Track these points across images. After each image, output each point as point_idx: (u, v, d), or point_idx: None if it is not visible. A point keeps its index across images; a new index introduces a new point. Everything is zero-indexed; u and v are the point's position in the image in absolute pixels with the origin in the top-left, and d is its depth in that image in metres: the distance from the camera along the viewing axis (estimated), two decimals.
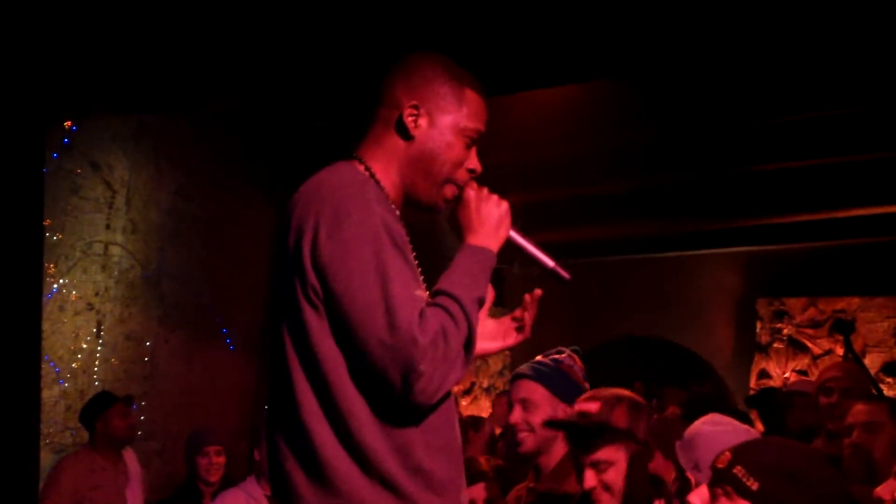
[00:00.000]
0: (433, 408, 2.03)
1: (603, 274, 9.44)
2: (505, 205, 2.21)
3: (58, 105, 5.22)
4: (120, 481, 5.62)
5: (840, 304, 8.56)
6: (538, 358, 3.45)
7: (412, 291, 1.97)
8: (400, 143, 2.17)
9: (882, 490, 2.70)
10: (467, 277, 2.07)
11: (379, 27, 4.38)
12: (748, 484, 2.01)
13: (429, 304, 2.00)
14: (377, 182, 2.13)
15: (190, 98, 5.33)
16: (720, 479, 2.07)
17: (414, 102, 2.16)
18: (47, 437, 6.05)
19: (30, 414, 5.01)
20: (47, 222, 5.80)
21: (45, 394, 5.90)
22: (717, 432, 2.47)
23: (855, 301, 8.48)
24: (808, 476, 2.03)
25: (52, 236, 6.16)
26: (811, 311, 8.72)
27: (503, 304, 10.18)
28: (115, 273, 6.59)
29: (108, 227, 6.56)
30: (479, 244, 2.15)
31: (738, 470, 2.04)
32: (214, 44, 4.78)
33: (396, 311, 1.91)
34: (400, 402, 1.95)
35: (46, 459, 5.80)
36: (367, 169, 2.15)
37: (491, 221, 2.17)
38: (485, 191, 2.21)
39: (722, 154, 6.70)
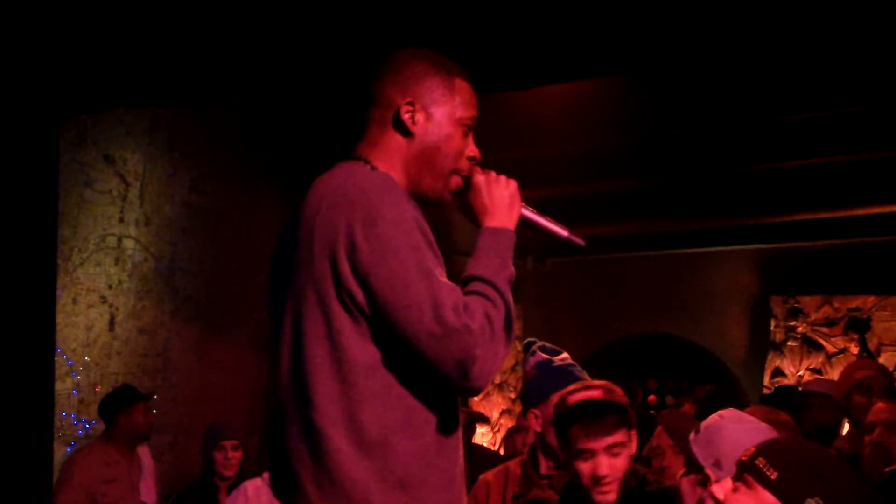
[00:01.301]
0: (455, 416, 2.12)
1: (617, 271, 9.42)
2: (513, 184, 2.26)
3: (72, 98, 5.22)
4: (134, 475, 5.64)
5: (855, 302, 8.52)
6: (564, 361, 3.36)
7: (450, 282, 2.02)
8: (400, 141, 2.19)
9: None
10: (496, 260, 2.13)
11: (392, 21, 4.36)
12: (768, 473, 2.05)
13: (466, 292, 2.05)
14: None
15: (204, 92, 5.32)
16: (742, 470, 2.11)
17: (409, 99, 2.18)
18: (59, 430, 6.06)
19: (43, 406, 5.02)
20: (61, 215, 5.80)
21: (58, 386, 5.91)
22: (739, 429, 2.43)
23: (870, 299, 8.44)
24: (828, 472, 2.07)
25: (65, 229, 6.17)
26: (826, 310, 8.67)
27: (516, 300, 10.17)
28: (129, 266, 6.60)
29: (121, 220, 6.56)
30: (497, 226, 2.20)
31: (760, 461, 2.08)
32: (229, 38, 4.77)
33: (444, 303, 1.96)
34: (457, 390, 2.05)
35: (58, 452, 5.81)
36: (373, 169, 2.16)
37: (504, 202, 2.22)
38: (492, 174, 2.26)
39: (738, 151, 6.67)
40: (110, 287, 6.51)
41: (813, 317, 8.70)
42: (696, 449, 2.46)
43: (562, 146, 6.64)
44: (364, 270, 1.98)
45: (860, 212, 7.47)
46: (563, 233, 2.35)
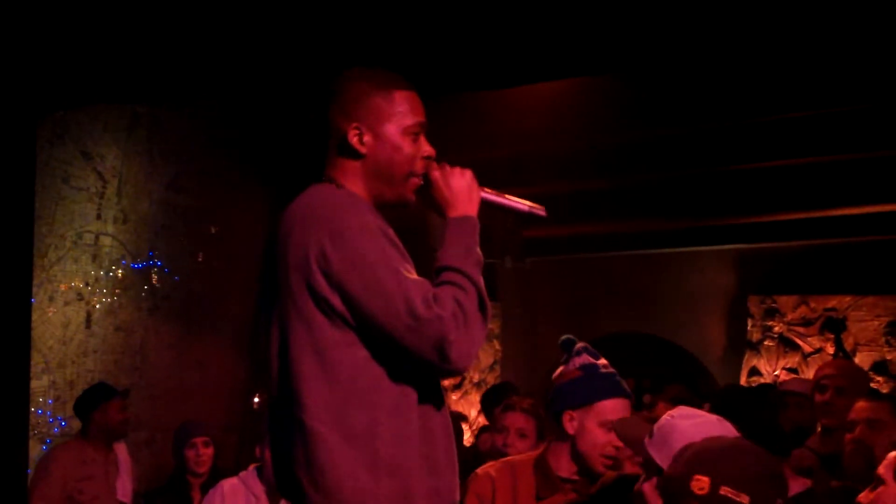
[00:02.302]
0: (440, 406, 2.29)
1: (595, 270, 9.43)
2: (468, 173, 2.39)
3: (51, 94, 5.19)
4: (110, 473, 5.61)
5: (831, 302, 8.55)
6: (607, 368, 3.33)
7: (418, 277, 2.19)
8: (355, 163, 2.34)
9: (862, 497, 2.71)
10: (461, 248, 2.28)
11: (374, 20, 4.36)
12: (740, 500, 2.02)
13: (437, 283, 2.21)
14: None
15: (184, 90, 5.30)
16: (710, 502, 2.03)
17: (354, 124, 2.32)
18: (35, 428, 6.03)
19: (18, 404, 4.99)
20: (37, 211, 5.76)
21: (34, 384, 5.88)
22: (691, 425, 2.42)
23: (846, 299, 8.47)
24: (778, 470, 2.07)
25: (42, 226, 6.13)
26: (802, 310, 8.70)
27: (495, 298, 10.19)
28: (106, 263, 6.56)
29: (98, 217, 6.53)
30: (459, 214, 2.34)
31: (726, 490, 2.03)
32: (209, 36, 4.76)
33: (414, 297, 2.12)
34: (442, 374, 2.23)
35: (34, 450, 5.79)
36: (340, 187, 2.33)
37: (462, 191, 2.36)
38: (447, 167, 2.39)
39: (715, 151, 6.68)
40: (87, 284, 6.48)
41: (789, 316, 8.73)
42: (652, 452, 2.45)
43: (541, 146, 6.65)
44: (338, 279, 2.15)
45: (837, 212, 7.50)
46: (524, 207, 2.48)
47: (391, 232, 2.25)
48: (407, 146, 2.34)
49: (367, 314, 2.15)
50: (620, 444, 3.14)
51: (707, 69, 5.33)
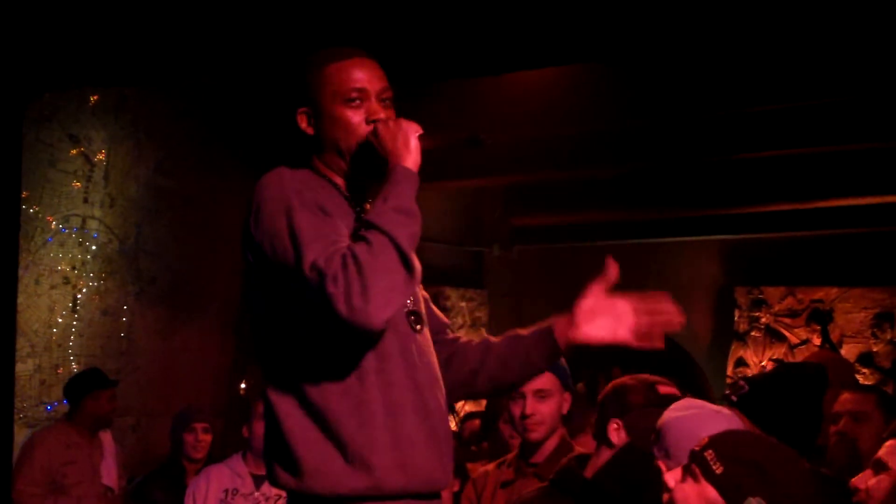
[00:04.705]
0: (406, 384, 2.24)
1: (584, 259, 9.43)
2: (402, 121, 2.30)
3: (37, 77, 5.16)
4: (95, 457, 5.60)
5: (818, 293, 8.58)
6: None
7: (321, 233, 2.12)
8: (309, 144, 2.38)
9: (857, 480, 2.72)
10: (378, 200, 2.18)
11: (362, 5, 4.34)
12: (714, 467, 2.07)
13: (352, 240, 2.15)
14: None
15: (171, 73, 5.28)
16: (692, 460, 2.13)
17: (301, 108, 2.37)
18: (21, 412, 6.02)
19: (3, 388, 4.98)
20: (24, 195, 5.74)
21: (20, 368, 5.86)
22: (685, 417, 2.45)
23: (833, 291, 8.51)
24: (773, 470, 2.07)
25: (28, 209, 6.11)
26: (789, 301, 8.73)
27: (483, 286, 10.20)
28: (93, 247, 6.54)
29: (85, 200, 6.51)
30: (389, 166, 2.24)
31: (709, 454, 2.10)
32: (197, 19, 4.74)
33: (304, 253, 2.08)
34: (353, 328, 2.07)
35: (20, 434, 5.77)
36: (294, 168, 2.35)
37: (392, 143, 2.26)
38: (377, 127, 2.30)
39: (702, 142, 6.70)
40: (74, 268, 6.46)
41: (776, 308, 8.76)
42: (654, 447, 2.48)
43: (529, 133, 6.65)
44: (259, 254, 2.19)
45: (824, 204, 7.54)
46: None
47: (321, 196, 2.22)
48: (346, 115, 2.32)
49: (283, 284, 2.17)
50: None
51: (696, 59, 5.33)
